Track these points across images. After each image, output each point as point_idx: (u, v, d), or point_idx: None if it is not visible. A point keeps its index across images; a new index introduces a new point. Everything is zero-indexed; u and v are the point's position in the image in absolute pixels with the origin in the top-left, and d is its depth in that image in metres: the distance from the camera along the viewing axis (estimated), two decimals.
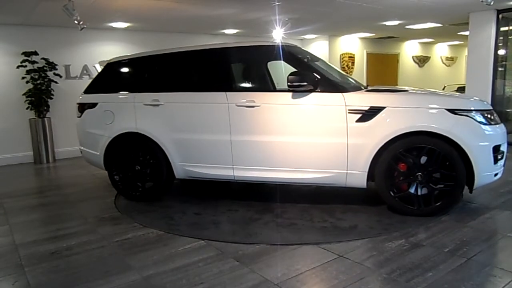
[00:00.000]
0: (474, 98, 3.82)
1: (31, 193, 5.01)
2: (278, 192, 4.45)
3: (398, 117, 3.43)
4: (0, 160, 6.82)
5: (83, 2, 5.18)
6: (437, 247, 2.89)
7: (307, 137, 3.65)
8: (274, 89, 4.47)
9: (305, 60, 4.04)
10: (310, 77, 3.57)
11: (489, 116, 3.51)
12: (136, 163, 4.22)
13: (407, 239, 3.07)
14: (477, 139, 3.37)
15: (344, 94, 3.57)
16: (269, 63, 4.74)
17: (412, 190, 3.52)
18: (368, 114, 3.48)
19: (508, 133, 3.78)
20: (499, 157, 3.49)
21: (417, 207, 3.52)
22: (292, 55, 3.97)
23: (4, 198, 4.72)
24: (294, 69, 3.86)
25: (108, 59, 4.67)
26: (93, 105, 4.44)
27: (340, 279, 2.48)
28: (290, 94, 3.67)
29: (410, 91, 3.86)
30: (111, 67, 4.57)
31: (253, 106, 3.74)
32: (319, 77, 3.63)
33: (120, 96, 4.36)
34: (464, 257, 2.72)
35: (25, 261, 2.93)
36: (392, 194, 3.57)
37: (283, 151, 3.74)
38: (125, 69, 4.60)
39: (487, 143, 3.39)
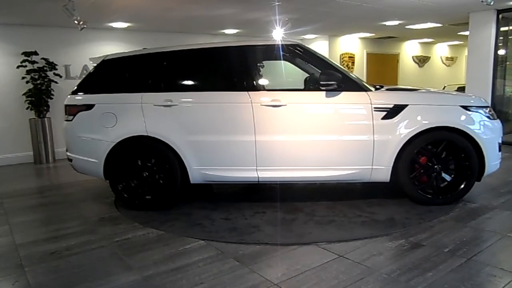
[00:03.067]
0: (472, 96, 4.10)
1: (31, 193, 5.01)
2: (285, 191, 4.44)
3: (421, 114, 3.68)
4: (0, 160, 6.83)
5: (83, 2, 5.18)
6: (437, 247, 2.90)
7: (335, 135, 3.73)
8: (299, 89, 4.32)
9: (326, 59, 4.10)
10: (337, 77, 3.66)
11: (490, 112, 3.89)
12: (144, 169, 3.92)
13: (407, 239, 3.07)
14: (487, 132, 3.76)
15: (368, 93, 3.73)
16: (283, 62, 4.62)
17: (432, 182, 3.80)
18: (393, 112, 3.67)
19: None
20: (500, 148, 3.90)
21: (437, 196, 3.81)
22: (313, 54, 4.05)
23: (4, 198, 4.72)
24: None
25: (100, 55, 4.27)
26: (88, 107, 3.98)
27: (340, 279, 2.49)
28: (320, 93, 3.72)
29: (421, 90, 4.07)
30: (108, 64, 4.14)
31: (279, 106, 3.72)
32: (344, 76, 3.74)
33: (124, 97, 3.98)
34: (464, 257, 2.72)
35: (25, 261, 2.92)
36: (415, 186, 3.79)
37: (311, 150, 3.76)
38: (126, 67, 4.19)
39: (493, 136, 3.80)
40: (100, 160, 3.92)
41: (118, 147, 3.89)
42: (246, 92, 3.77)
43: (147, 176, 3.92)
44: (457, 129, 3.66)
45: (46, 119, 6.96)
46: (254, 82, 3.91)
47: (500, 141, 3.89)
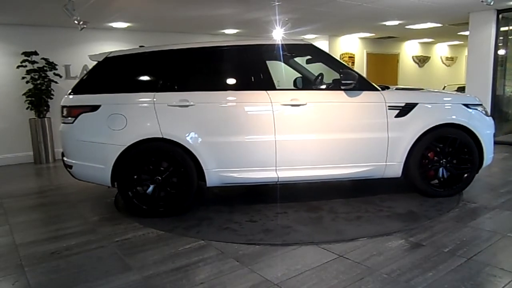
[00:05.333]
0: (468, 95, 4.42)
1: (31, 193, 5.01)
2: (290, 191, 4.45)
3: (431, 111, 3.91)
4: (0, 160, 6.83)
5: (83, 2, 5.18)
6: (437, 247, 2.90)
7: (353, 133, 3.82)
8: (316, 88, 4.37)
9: (339, 60, 4.24)
10: (355, 76, 3.75)
11: (485, 109, 4.19)
12: (156, 173, 3.69)
13: (407, 239, 3.07)
14: (485, 128, 4.06)
15: (382, 92, 3.88)
16: (290, 61, 4.69)
17: (439, 175, 4.04)
18: (405, 110, 3.85)
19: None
20: (494, 142, 4.22)
21: (444, 189, 4.05)
22: (328, 55, 4.16)
23: (4, 198, 4.72)
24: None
25: (100, 52, 4.00)
26: (93, 108, 3.68)
27: (340, 279, 2.49)
28: (338, 92, 3.81)
29: (424, 90, 4.28)
30: (112, 62, 3.87)
31: (298, 105, 3.73)
32: (359, 76, 3.84)
33: (134, 97, 3.71)
34: (464, 257, 2.72)
35: (25, 261, 2.93)
36: (424, 180, 4.00)
37: (330, 148, 3.82)
38: (134, 65, 3.94)
39: (490, 131, 4.11)
40: (107, 165, 3.63)
41: (128, 151, 3.62)
42: (265, 92, 3.75)
43: (161, 181, 3.69)
44: (461, 125, 3.92)
45: (46, 119, 6.96)
46: (272, 81, 3.88)
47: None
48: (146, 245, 3.12)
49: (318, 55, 4.16)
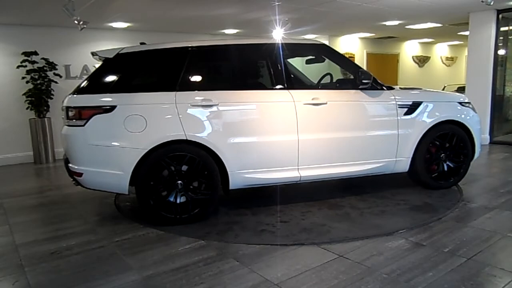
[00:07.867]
0: (459, 93, 4.69)
1: (31, 193, 5.01)
2: (293, 191, 4.46)
3: (434, 109, 4.16)
4: (0, 160, 6.83)
5: (83, 2, 5.18)
6: (437, 247, 2.90)
7: (371, 131, 3.98)
8: (336, 87, 4.31)
9: (351, 60, 4.42)
10: (371, 76, 3.88)
11: (473, 107, 4.48)
12: (179, 178, 3.46)
13: (407, 239, 3.07)
14: (476, 124, 4.37)
15: (392, 91, 4.08)
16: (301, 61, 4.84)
17: (440, 169, 4.29)
18: (412, 108, 4.08)
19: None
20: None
21: (444, 182, 4.32)
22: (342, 55, 4.30)
23: (4, 198, 4.73)
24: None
25: (108, 48, 3.71)
26: (108, 108, 3.36)
27: (340, 279, 2.48)
28: (356, 91, 3.93)
29: (424, 89, 4.48)
30: (125, 59, 3.58)
31: (320, 104, 3.77)
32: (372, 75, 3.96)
33: (154, 96, 3.47)
34: (464, 257, 2.72)
35: (25, 261, 2.92)
36: (428, 174, 4.25)
37: (350, 146, 3.92)
38: (150, 63, 3.74)
39: (479, 127, 4.45)
40: (126, 171, 3.35)
41: (149, 155, 3.38)
42: (287, 91, 3.75)
43: (183, 186, 3.48)
44: (458, 122, 4.21)
45: (46, 119, 6.96)
46: (292, 80, 3.94)
47: None
48: (146, 245, 3.12)
49: (332, 55, 4.19)
